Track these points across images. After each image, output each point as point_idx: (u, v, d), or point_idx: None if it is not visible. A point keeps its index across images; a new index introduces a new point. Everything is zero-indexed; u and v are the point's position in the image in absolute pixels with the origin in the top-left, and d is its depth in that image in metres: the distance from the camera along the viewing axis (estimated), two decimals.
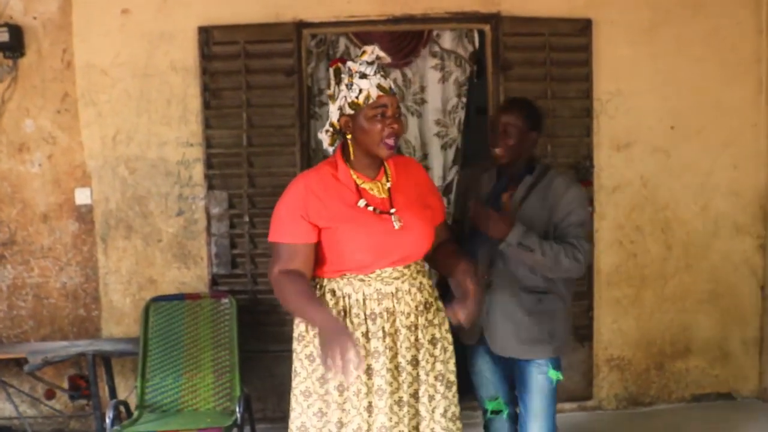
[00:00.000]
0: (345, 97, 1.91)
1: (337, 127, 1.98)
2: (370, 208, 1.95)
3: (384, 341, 1.94)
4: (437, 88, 3.81)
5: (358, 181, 1.98)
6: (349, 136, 1.95)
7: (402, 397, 1.97)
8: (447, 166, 3.84)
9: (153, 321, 3.28)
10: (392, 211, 1.97)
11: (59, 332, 3.57)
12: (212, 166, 3.52)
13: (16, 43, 3.42)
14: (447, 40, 3.76)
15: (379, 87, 1.88)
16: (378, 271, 1.95)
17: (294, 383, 2.03)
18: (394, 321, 1.97)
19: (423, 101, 3.82)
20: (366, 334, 1.94)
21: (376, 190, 1.99)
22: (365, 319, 1.95)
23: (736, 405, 3.78)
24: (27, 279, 3.55)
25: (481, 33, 3.69)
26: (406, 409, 1.98)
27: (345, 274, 1.97)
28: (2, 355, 3.31)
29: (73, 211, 3.53)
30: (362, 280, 1.95)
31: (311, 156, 3.74)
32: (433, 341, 2.04)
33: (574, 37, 3.56)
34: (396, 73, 3.77)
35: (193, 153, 3.53)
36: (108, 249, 3.54)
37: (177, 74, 3.51)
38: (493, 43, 3.57)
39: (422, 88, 3.82)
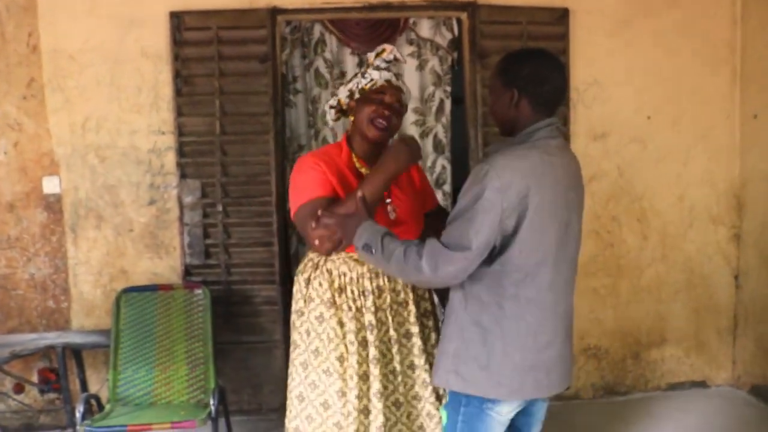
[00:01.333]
0: (357, 83, 2.12)
1: (343, 107, 2.17)
2: None
3: (376, 315, 2.09)
4: (414, 76, 3.76)
5: (358, 165, 2.13)
6: (351, 118, 2.14)
7: (396, 368, 2.11)
8: (425, 155, 3.80)
9: (124, 312, 3.20)
10: (388, 201, 2.11)
11: (27, 324, 3.47)
12: (185, 154, 3.44)
13: None
14: (424, 28, 3.71)
15: (387, 80, 2.10)
16: None
17: (293, 355, 2.17)
18: (386, 297, 2.12)
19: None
20: (360, 309, 2.09)
21: None
22: (359, 295, 2.09)
23: (710, 393, 3.81)
24: None
25: (459, 21, 3.66)
26: (400, 378, 2.12)
27: (341, 254, 2.10)
28: None
29: (41, 200, 3.43)
30: (356, 260, 2.09)
31: (286, 144, 3.68)
32: (426, 314, 2.22)
33: (552, 26, 3.54)
34: None
35: (165, 141, 3.44)
36: (78, 239, 3.45)
37: (148, 60, 3.42)
38: (470, 32, 3.53)
39: (397, 77, 3.75)
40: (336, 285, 2.10)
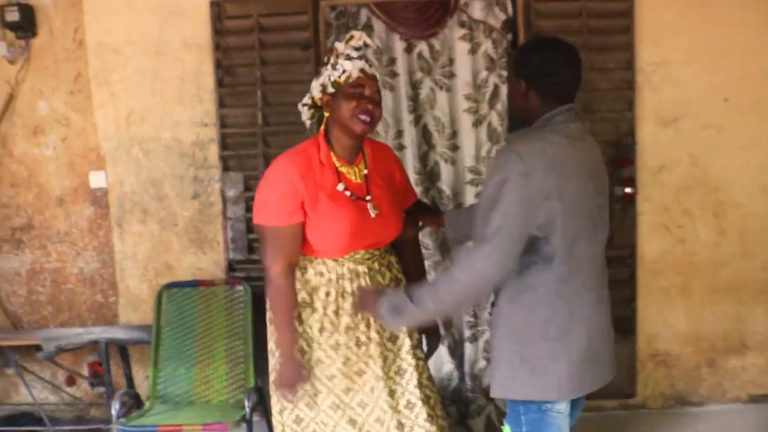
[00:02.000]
0: (329, 75, 1.98)
1: (318, 103, 2.05)
2: (348, 193, 2.00)
3: (356, 317, 2.00)
4: (466, 61, 3.53)
5: (337, 164, 2.03)
6: (327, 114, 2.02)
7: (379, 374, 2.01)
8: (479, 145, 3.57)
9: (166, 308, 3.17)
10: (368, 198, 2.03)
11: (77, 318, 3.51)
12: (227, 146, 3.37)
13: (27, 23, 3.33)
14: (476, 8, 3.47)
15: (362, 71, 1.97)
16: (351, 253, 2.01)
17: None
18: None
19: (452, 74, 3.54)
20: (336, 312, 2.00)
21: (353, 175, 2.05)
22: (336, 297, 2.00)
23: None
24: (45, 264, 3.49)
25: (513, 0, 3.42)
26: (382, 383, 2.01)
27: (318, 256, 2.01)
28: (18, 341, 3.25)
29: (88, 195, 3.45)
30: (335, 261, 2.01)
31: None
32: None
33: (615, 1, 3.25)
34: (422, 45, 3.51)
35: (208, 133, 3.38)
36: (124, 233, 3.45)
37: (190, 51, 3.36)
38: (524, 11, 3.29)
39: (450, 61, 3.54)
40: (311, 284, 2.01)
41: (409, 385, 2.06)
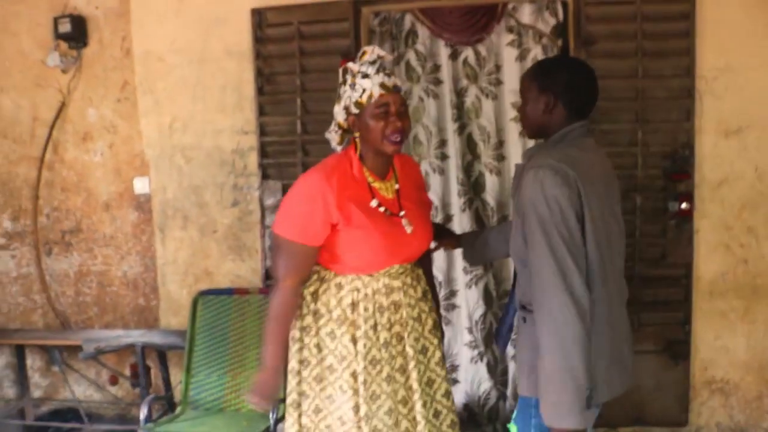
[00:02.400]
0: (349, 97, 1.97)
1: (345, 127, 2.04)
2: (382, 209, 1.99)
3: (391, 331, 2.02)
4: (514, 67, 3.39)
5: (370, 179, 2.02)
6: (357, 135, 2.00)
7: (412, 386, 2.04)
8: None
9: (201, 315, 3.17)
10: (401, 214, 2.03)
11: (121, 320, 3.58)
12: (266, 154, 3.36)
13: (79, 34, 3.43)
14: (525, 13, 3.33)
15: (382, 86, 1.93)
16: (387, 268, 2.02)
17: (305, 372, 2.05)
18: (402, 313, 2.04)
19: (498, 82, 3.41)
20: (375, 327, 2.00)
21: (385, 190, 2.04)
22: (373, 312, 2.00)
23: None
24: (91, 266, 3.59)
25: (564, 4, 3.25)
26: (417, 395, 2.03)
27: (352, 273, 2.00)
28: (61, 341, 3.36)
29: (133, 200, 3.51)
30: (371, 276, 2.00)
31: None
32: (433, 329, 2.13)
33: (673, 3, 3.03)
34: (468, 51, 3.40)
35: (248, 141, 3.38)
36: (165, 239, 3.49)
37: (231, 59, 3.37)
38: (575, 15, 3.12)
39: (497, 68, 3.41)
40: (348, 301, 2.00)
41: (437, 394, 2.12)
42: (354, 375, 1.97)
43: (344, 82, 1.99)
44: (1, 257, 3.70)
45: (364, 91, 1.92)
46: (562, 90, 1.83)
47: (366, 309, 1.99)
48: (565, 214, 1.67)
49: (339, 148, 2.07)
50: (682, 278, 3.12)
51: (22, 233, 3.65)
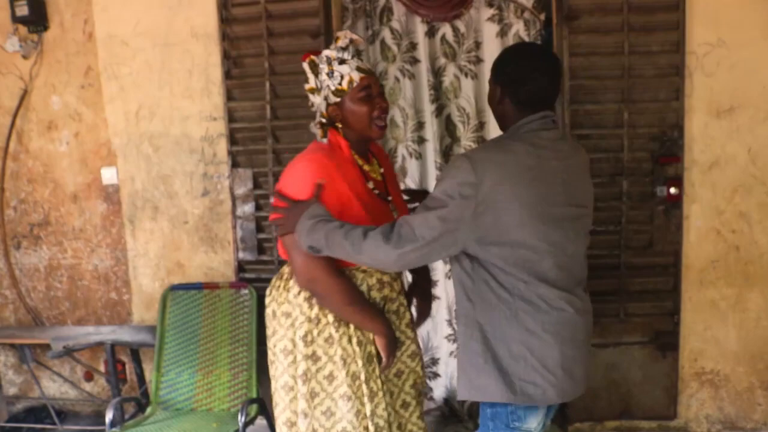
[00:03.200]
0: (328, 86, 1.93)
1: (326, 118, 1.98)
2: (377, 192, 1.98)
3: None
4: (495, 44, 3.20)
5: (360, 162, 1.99)
6: (339, 125, 1.96)
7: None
8: None
9: (170, 311, 3.08)
10: (389, 198, 2.03)
11: (93, 315, 3.48)
12: (236, 141, 3.21)
13: (38, 17, 3.26)
14: None
15: (359, 69, 1.92)
16: None
17: (303, 389, 1.92)
18: (388, 307, 2.00)
19: (478, 60, 3.23)
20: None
21: (374, 172, 2.03)
22: None
23: None
24: (62, 260, 3.48)
25: None
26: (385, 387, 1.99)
27: (348, 268, 1.91)
28: (30, 339, 3.25)
29: (101, 191, 3.38)
30: (365, 272, 1.93)
31: None
32: (410, 323, 2.10)
33: None
34: (446, 28, 3.21)
35: (217, 128, 3.23)
36: (135, 231, 3.37)
37: (198, 42, 3.20)
38: None
39: (477, 45, 3.23)
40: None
41: (405, 385, 2.07)
42: (354, 376, 1.90)
43: (318, 72, 1.95)
44: None
45: (343, 77, 1.90)
46: (508, 82, 1.77)
47: None
48: (456, 205, 1.63)
49: (325, 141, 1.98)
50: (671, 266, 2.98)
51: None
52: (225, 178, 3.25)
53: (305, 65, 1.98)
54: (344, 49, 1.94)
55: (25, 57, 3.34)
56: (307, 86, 2.00)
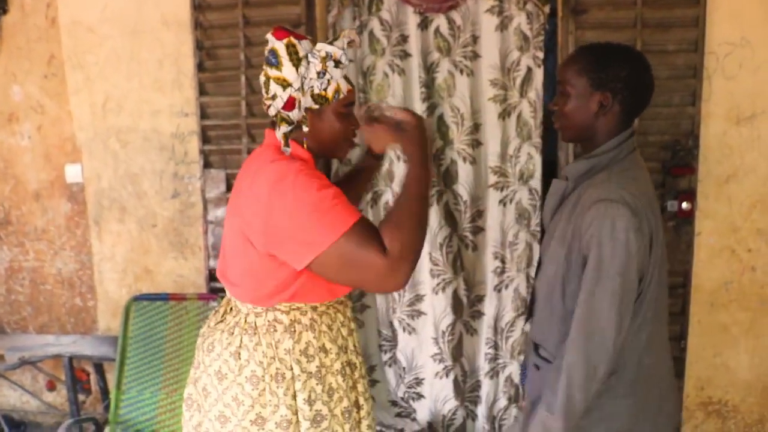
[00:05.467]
0: (312, 87, 1.55)
1: (291, 122, 1.58)
2: None
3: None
4: (494, 39, 2.93)
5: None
6: (306, 129, 1.58)
7: None
8: (506, 141, 2.99)
9: (134, 323, 2.84)
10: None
11: (57, 321, 3.25)
12: (208, 140, 2.95)
13: None
14: None
15: (347, 79, 1.61)
16: (338, 298, 1.68)
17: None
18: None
19: (475, 55, 2.96)
20: (349, 364, 1.69)
21: None
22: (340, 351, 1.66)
23: None
24: (23, 262, 3.24)
25: None
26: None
27: (327, 301, 1.63)
28: None
29: (65, 190, 3.14)
30: (340, 303, 1.68)
31: None
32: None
33: None
34: (440, 20, 2.93)
35: (188, 124, 2.98)
36: (102, 233, 3.13)
37: (169, 30, 2.94)
38: None
39: (474, 39, 2.95)
40: (333, 330, 1.65)
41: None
42: (348, 411, 1.65)
43: (299, 63, 1.52)
44: None
45: (329, 82, 1.55)
46: (622, 88, 1.57)
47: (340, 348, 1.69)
48: (631, 263, 1.47)
49: (288, 151, 1.56)
50: (680, 287, 2.72)
51: None
52: (197, 179, 3.00)
53: (279, 45, 1.52)
54: (343, 50, 1.58)
55: None
56: (274, 73, 1.53)
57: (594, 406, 1.54)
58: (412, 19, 2.96)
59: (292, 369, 1.57)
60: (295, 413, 1.56)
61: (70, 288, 3.21)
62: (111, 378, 3.08)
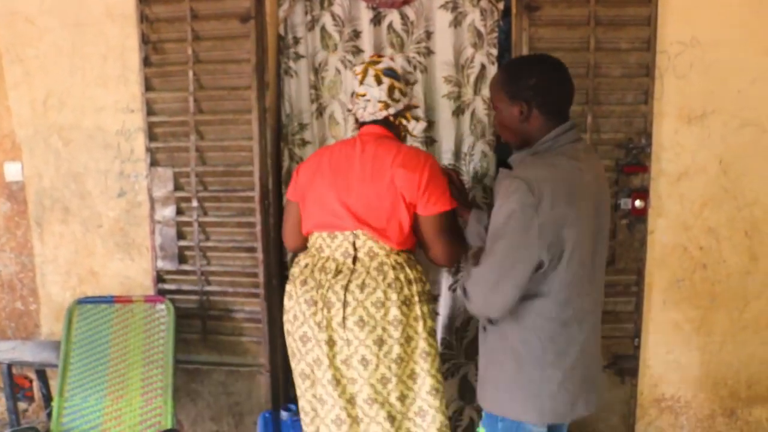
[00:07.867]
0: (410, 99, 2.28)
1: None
2: None
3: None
4: (448, 35, 2.89)
5: None
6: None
7: None
8: (460, 138, 2.96)
9: (77, 327, 2.73)
10: None
11: None
12: (154, 137, 2.86)
13: None
14: None
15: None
16: None
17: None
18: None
19: (429, 52, 2.91)
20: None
21: None
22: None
23: None
24: None
25: None
26: None
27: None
28: None
29: (4, 189, 3.01)
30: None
31: (283, 123, 2.98)
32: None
33: None
34: (393, 15, 2.88)
35: (134, 121, 2.87)
36: (44, 234, 3.01)
37: (113, 22, 2.83)
38: None
39: (428, 35, 2.90)
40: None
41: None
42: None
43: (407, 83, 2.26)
44: None
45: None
46: (534, 95, 1.75)
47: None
48: (520, 230, 1.64)
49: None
50: (633, 285, 2.73)
51: None
52: (143, 178, 2.90)
53: (396, 62, 2.27)
54: None
55: None
56: (398, 85, 2.23)
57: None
58: (365, 15, 2.90)
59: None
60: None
61: (10, 291, 3.07)
62: (55, 385, 2.97)
